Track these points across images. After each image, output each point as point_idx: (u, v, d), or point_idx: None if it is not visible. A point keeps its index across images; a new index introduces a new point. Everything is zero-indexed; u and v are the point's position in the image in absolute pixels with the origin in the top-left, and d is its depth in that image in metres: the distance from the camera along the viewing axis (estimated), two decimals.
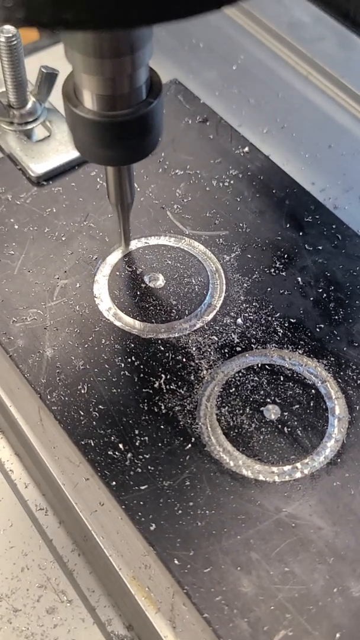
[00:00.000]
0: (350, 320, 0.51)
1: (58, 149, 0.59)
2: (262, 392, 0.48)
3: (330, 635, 0.40)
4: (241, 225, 0.56)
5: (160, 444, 0.46)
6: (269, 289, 0.53)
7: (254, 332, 0.51)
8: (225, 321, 0.51)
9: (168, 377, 0.49)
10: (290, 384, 0.49)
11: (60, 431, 0.47)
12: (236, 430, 0.47)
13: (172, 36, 0.73)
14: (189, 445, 0.46)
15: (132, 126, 0.41)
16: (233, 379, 0.49)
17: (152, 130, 0.42)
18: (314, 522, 0.44)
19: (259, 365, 0.49)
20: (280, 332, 0.51)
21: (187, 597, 0.42)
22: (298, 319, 0.52)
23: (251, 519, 0.44)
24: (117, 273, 0.53)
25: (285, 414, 0.47)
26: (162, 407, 0.47)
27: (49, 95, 0.60)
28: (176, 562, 0.42)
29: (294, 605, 0.41)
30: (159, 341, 0.50)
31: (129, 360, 0.49)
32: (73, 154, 0.58)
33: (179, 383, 0.48)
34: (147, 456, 0.46)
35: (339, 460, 0.46)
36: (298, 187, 0.59)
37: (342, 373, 0.49)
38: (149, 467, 0.45)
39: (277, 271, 0.54)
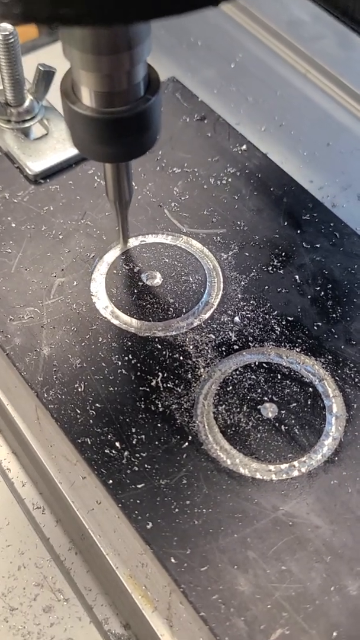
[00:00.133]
0: (348, 318, 0.51)
1: (55, 147, 0.59)
2: (259, 390, 0.48)
3: (327, 634, 0.40)
4: (239, 223, 0.56)
5: (157, 442, 0.46)
6: (266, 287, 0.53)
7: (252, 330, 0.51)
8: (222, 319, 0.51)
9: (165, 375, 0.49)
10: (288, 382, 0.48)
11: (57, 429, 0.47)
12: (233, 429, 0.47)
13: (170, 34, 0.73)
14: (186, 444, 0.46)
15: (130, 123, 0.41)
16: (230, 377, 0.49)
17: (150, 127, 0.42)
18: (311, 520, 0.43)
19: (257, 363, 0.49)
20: (277, 330, 0.51)
21: (184, 595, 0.41)
22: (296, 317, 0.51)
23: (248, 518, 0.43)
24: (115, 271, 0.53)
25: (283, 412, 0.47)
26: (159, 406, 0.47)
27: (47, 93, 0.59)
28: (173, 560, 0.42)
29: (291, 603, 0.41)
30: (156, 339, 0.50)
31: (126, 358, 0.49)
32: (70, 152, 0.58)
33: (176, 381, 0.48)
34: (144, 454, 0.45)
35: (336, 458, 0.46)
36: (296, 185, 0.59)
37: (339, 371, 0.49)
38: (146, 466, 0.45)
39: (274, 269, 0.54)
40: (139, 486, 0.44)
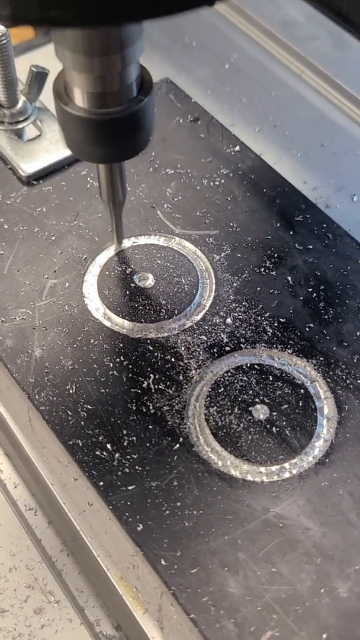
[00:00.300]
0: (340, 320, 0.51)
1: (48, 148, 0.59)
2: (251, 392, 0.48)
3: (317, 636, 0.40)
4: (231, 224, 0.56)
5: (148, 444, 0.46)
6: (258, 289, 0.53)
7: (243, 332, 0.51)
8: (214, 321, 0.51)
9: (157, 376, 0.49)
10: (279, 383, 0.48)
11: (49, 431, 0.47)
12: (224, 430, 0.47)
13: (164, 34, 0.73)
14: (177, 446, 0.46)
15: (123, 123, 0.41)
16: (222, 379, 0.49)
17: (143, 127, 0.42)
18: (301, 522, 0.44)
19: (248, 365, 0.49)
20: (269, 331, 0.51)
21: (174, 597, 0.41)
22: (288, 318, 0.51)
23: (239, 519, 0.44)
24: (107, 272, 0.53)
25: (274, 413, 0.47)
26: (151, 407, 0.47)
27: (40, 94, 0.59)
28: (163, 562, 0.42)
29: (281, 605, 0.41)
30: (148, 341, 0.50)
31: (118, 360, 0.49)
32: (63, 153, 0.58)
33: (168, 383, 0.48)
34: (135, 456, 0.45)
35: (327, 460, 0.46)
36: (289, 186, 0.59)
37: (331, 373, 0.49)
38: (137, 467, 0.45)
39: (267, 270, 0.54)
40: (130, 488, 0.44)
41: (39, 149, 0.59)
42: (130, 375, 0.49)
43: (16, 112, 0.59)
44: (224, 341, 0.50)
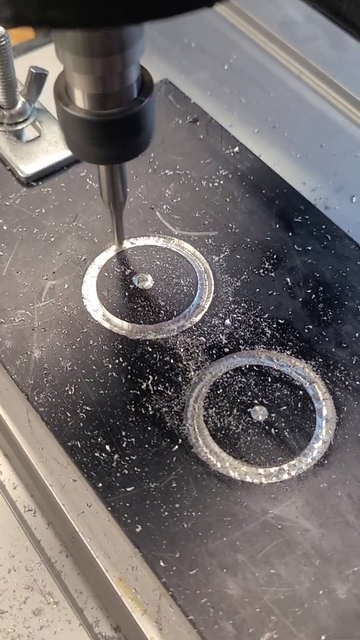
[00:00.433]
0: (339, 321, 0.51)
1: (48, 149, 0.59)
2: (249, 394, 0.48)
3: (315, 638, 0.40)
4: (230, 225, 0.56)
5: (147, 446, 0.46)
6: (257, 290, 0.53)
7: (242, 333, 0.51)
8: (213, 322, 0.51)
9: (156, 378, 0.49)
10: (278, 385, 0.49)
11: (48, 432, 0.47)
12: (223, 432, 0.47)
13: (163, 36, 0.73)
14: (176, 447, 0.46)
15: (123, 125, 0.41)
16: (221, 380, 0.49)
17: (143, 128, 0.42)
18: (300, 523, 0.44)
19: (247, 366, 0.49)
20: (268, 333, 0.51)
21: (173, 599, 0.42)
22: (286, 319, 0.51)
23: (237, 521, 0.44)
24: (106, 274, 0.53)
25: (273, 415, 0.47)
26: (150, 409, 0.47)
27: (39, 95, 0.59)
28: (162, 563, 0.42)
29: (280, 607, 0.41)
30: (147, 342, 0.50)
31: (117, 361, 0.49)
32: (62, 154, 0.58)
33: (167, 384, 0.48)
34: (134, 458, 0.46)
35: (326, 461, 0.46)
36: (288, 187, 0.59)
37: (330, 374, 0.49)
38: (136, 469, 0.45)
39: (266, 272, 0.54)
40: (129, 489, 0.45)
41: (38, 150, 0.59)
42: (129, 376, 0.49)
43: (15, 113, 0.59)
44: (223, 342, 0.50)
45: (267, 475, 0.45)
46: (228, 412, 0.47)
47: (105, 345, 0.50)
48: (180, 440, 0.46)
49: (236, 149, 0.61)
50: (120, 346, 0.50)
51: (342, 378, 0.49)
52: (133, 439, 0.46)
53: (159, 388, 0.48)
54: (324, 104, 0.69)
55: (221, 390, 0.48)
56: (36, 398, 0.48)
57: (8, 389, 0.50)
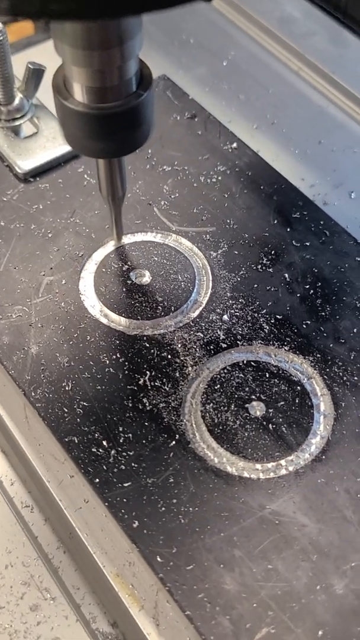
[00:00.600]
0: (337, 317, 0.51)
1: (45, 145, 0.59)
2: (247, 389, 0.48)
3: (312, 633, 0.40)
4: (228, 221, 0.56)
5: (144, 441, 0.46)
6: (255, 285, 0.53)
7: (240, 329, 0.51)
8: (211, 318, 0.51)
9: (153, 374, 0.48)
10: (276, 380, 0.48)
11: (45, 428, 0.47)
12: (221, 427, 0.47)
13: (162, 32, 0.73)
14: (173, 442, 0.46)
15: (122, 118, 0.41)
16: (218, 376, 0.49)
17: (142, 122, 0.42)
18: (297, 519, 0.43)
19: (245, 361, 0.49)
20: (266, 328, 0.51)
21: (170, 594, 0.41)
22: (284, 315, 0.51)
23: (235, 516, 0.43)
24: (103, 270, 0.53)
25: (271, 410, 0.47)
26: (147, 404, 0.47)
27: (36, 91, 0.59)
28: (159, 559, 0.42)
29: (277, 602, 0.41)
30: (145, 338, 0.50)
31: (114, 357, 0.49)
32: (60, 150, 0.58)
33: (164, 380, 0.48)
34: (131, 453, 0.45)
35: (323, 457, 0.46)
36: (286, 183, 0.58)
37: (328, 370, 0.49)
38: (133, 464, 0.45)
39: (264, 267, 0.54)
40: (126, 485, 0.44)
41: (36, 146, 0.59)
42: (126, 372, 0.49)
43: (13, 109, 0.59)
44: (221, 338, 0.50)
45: (265, 470, 0.45)
46: (225, 408, 0.47)
47: (102, 341, 0.50)
48: (177, 435, 0.46)
49: (234, 144, 0.60)
50: (118, 342, 0.50)
51: (340, 373, 0.49)
52: (130, 435, 0.46)
53: (156, 384, 0.48)
54: (323, 100, 0.68)
55: (219, 385, 0.48)
56: (33, 394, 0.48)
57: (5, 385, 0.49)
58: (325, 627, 0.40)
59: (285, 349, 0.50)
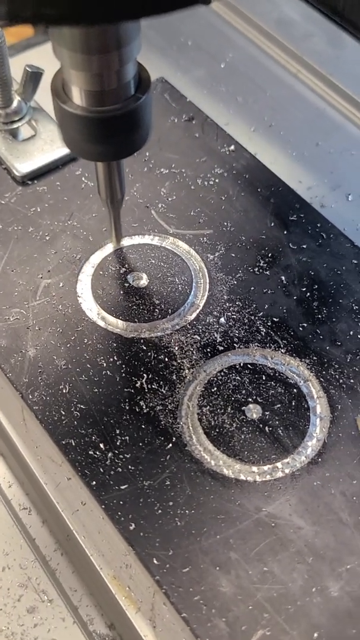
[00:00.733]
0: (334, 319, 0.51)
1: (43, 148, 0.59)
2: (243, 392, 0.48)
3: (308, 635, 0.40)
4: (225, 224, 0.56)
5: (141, 444, 0.46)
6: (252, 288, 0.53)
7: (237, 332, 0.51)
8: (208, 320, 0.51)
9: (150, 376, 0.49)
10: (272, 383, 0.49)
11: (43, 431, 0.47)
12: (217, 430, 0.47)
13: (160, 34, 0.73)
14: (170, 445, 0.46)
15: (120, 121, 0.41)
16: (215, 379, 0.49)
17: (141, 125, 0.43)
18: (293, 521, 0.44)
19: (241, 364, 0.49)
20: (263, 331, 0.51)
21: (166, 596, 0.42)
22: (281, 318, 0.51)
23: (231, 519, 0.44)
24: (101, 272, 0.53)
25: (267, 413, 0.47)
26: (144, 407, 0.47)
27: (34, 94, 0.60)
28: (155, 561, 0.42)
29: (272, 604, 0.41)
30: (142, 340, 0.50)
31: (111, 359, 0.49)
32: (58, 153, 0.58)
33: (161, 382, 0.48)
34: (128, 456, 0.46)
35: (319, 459, 0.46)
36: (283, 185, 0.59)
37: (324, 372, 0.49)
38: (130, 467, 0.45)
39: (261, 270, 0.54)
40: (123, 487, 0.45)
41: (34, 149, 0.59)
42: (123, 374, 0.49)
43: (11, 112, 0.59)
44: (218, 341, 0.50)
45: (261, 473, 0.45)
46: (222, 410, 0.47)
47: (99, 344, 0.50)
48: (174, 438, 0.46)
49: (232, 147, 0.61)
50: (115, 345, 0.50)
51: (337, 376, 0.49)
52: (127, 437, 0.46)
53: (153, 386, 0.48)
54: (321, 102, 0.69)
55: (215, 388, 0.48)
56: (31, 396, 0.48)
57: (3, 388, 0.50)
58: (321, 630, 0.41)
59: (281, 352, 0.50)
